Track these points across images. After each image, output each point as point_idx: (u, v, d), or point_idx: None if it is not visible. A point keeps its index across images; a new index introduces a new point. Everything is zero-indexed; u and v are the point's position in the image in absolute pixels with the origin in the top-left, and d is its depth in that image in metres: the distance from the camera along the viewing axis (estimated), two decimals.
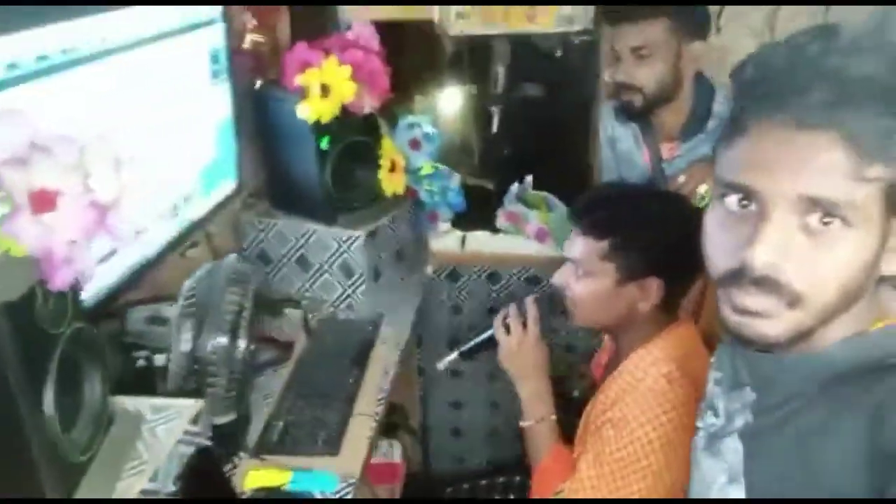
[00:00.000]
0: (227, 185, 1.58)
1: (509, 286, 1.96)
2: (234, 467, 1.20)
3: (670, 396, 1.16)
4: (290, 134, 1.57)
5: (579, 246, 1.23)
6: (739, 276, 0.64)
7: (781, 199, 0.62)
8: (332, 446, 1.23)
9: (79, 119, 1.01)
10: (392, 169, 1.68)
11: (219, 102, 1.50)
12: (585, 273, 1.23)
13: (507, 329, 1.32)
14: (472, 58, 2.19)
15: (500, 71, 2.11)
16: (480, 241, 1.97)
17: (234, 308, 1.13)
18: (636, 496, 1.15)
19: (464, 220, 2.00)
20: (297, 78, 1.48)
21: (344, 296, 1.66)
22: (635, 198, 1.25)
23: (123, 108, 1.16)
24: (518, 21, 1.75)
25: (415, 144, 1.83)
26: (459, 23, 1.78)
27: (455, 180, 1.90)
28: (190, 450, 0.99)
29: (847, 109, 0.59)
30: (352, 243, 1.59)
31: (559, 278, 1.27)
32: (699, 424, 0.86)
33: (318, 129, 1.51)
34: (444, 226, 1.97)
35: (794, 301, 0.63)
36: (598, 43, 1.82)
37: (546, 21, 1.75)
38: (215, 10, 1.44)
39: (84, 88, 1.04)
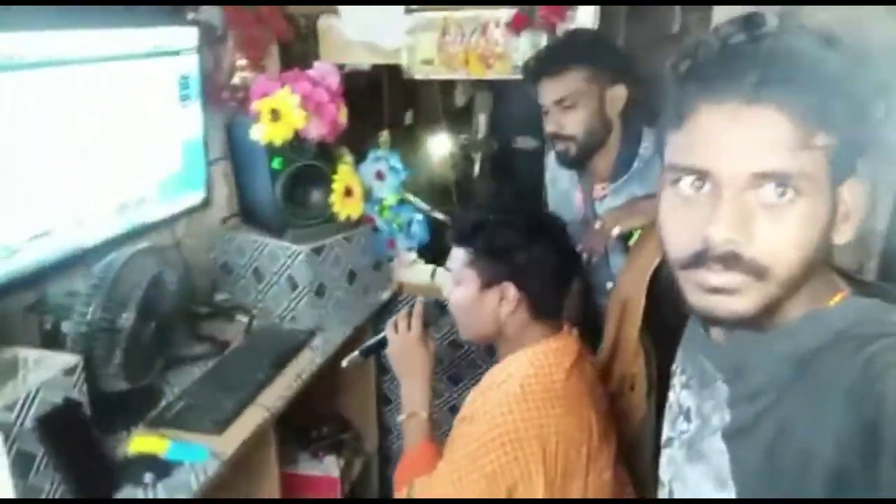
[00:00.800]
0: (194, 197, 1.77)
1: None
2: (128, 433, 1.32)
3: (519, 401, 1.20)
4: (249, 155, 1.75)
5: (452, 256, 1.32)
6: (702, 256, 0.66)
7: (734, 176, 0.64)
8: (219, 427, 1.34)
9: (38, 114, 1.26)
10: (348, 194, 1.82)
11: (188, 123, 1.70)
12: (456, 281, 1.31)
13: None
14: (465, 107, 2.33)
15: (482, 119, 2.23)
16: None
17: (130, 289, 1.27)
18: (476, 494, 1.19)
19: (435, 253, 2.09)
20: (254, 104, 1.66)
21: (289, 307, 1.78)
22: (504, 212, 1.32)
23: (84, 112, 1.37)
24: (477, 68, 1.88)
25: (379, 175, 1.96)
26: (424, 68, 1.93)
27: (420, 215, 2.02)
28: (58, 398, 1.12)
29: (784, 85, 0.62)
30: (296, 257, 1.73)
31: (444, 289, 1.36)
32: (671, 434, 0.86)
33: (272, 151, 1.68)
34: (410, 256, 2.07)
35: (760, 274, 0.64)
36: None
37: (502, 68, 1.87)
38: (190, 42, 1.66)
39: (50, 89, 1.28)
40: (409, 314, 1.40)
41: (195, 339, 1.70)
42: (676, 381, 0.87)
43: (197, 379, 1.50)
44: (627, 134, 1.62)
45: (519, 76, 1.85)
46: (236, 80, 1.96)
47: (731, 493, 0.73)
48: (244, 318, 1.78)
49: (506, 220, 1.28)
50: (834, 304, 0.70)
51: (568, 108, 1.56)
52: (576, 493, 1.24)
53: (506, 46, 1.85)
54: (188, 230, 1.89)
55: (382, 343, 1.42)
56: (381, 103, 2.27)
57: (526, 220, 1.29)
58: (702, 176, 0.66)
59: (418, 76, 1.95)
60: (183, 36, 1.64)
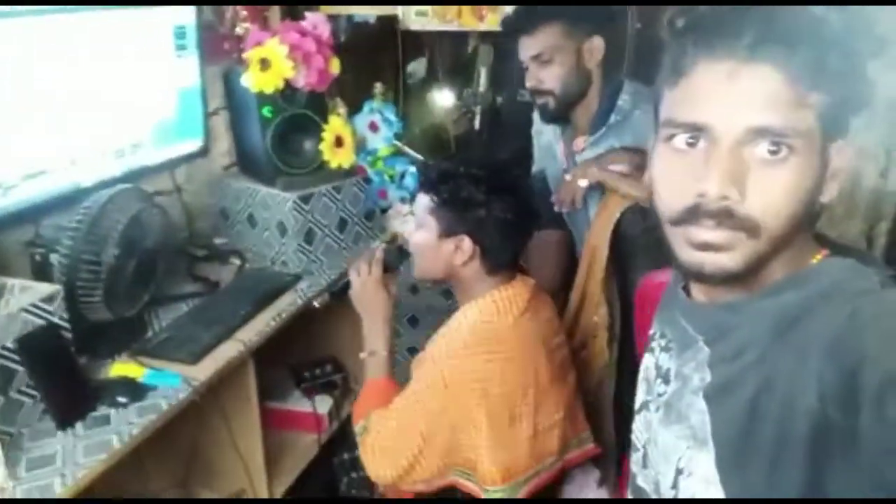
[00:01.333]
0: (192, 145, 1.86)
1: None
2: (112, 361, 1.43)
3: (466, 346, 1.27)
4: (243, 104, 1.82)
5: (418, 200, 1.37)
6: (695, 212, 0.67)
7: (730, 131, 0.65)
8: (194, 358, 1.43)
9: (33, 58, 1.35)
10: (338, 144, 1.87)
11: (184, 72, 1.77)
12: (418, 225, 1.37)
13: None
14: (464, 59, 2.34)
15: (483, 72, 2.25)
16: None
17: (111, 226, 1.36)
18: (420, 428, 1.27)
19: None
20: (245, 54, 1.72)
21: (280, 252, 1.86)
22: (470, 166, 1.36)
23: (77, 57, 1.45)
24: (469, 20, 1.89)
25: (373, 127, 2.01)
26: (419, 19, 1.95)
27: (414, 167, 2.06)
28: (39, 322, 1.23)
29: (781, 44, 0.63)
30: (285, 204, 1.80)
31: (407, 231, 1.42)
32: (647, 398, 0.88)
33: (262, 99, 1.75)
34: (405, 207, 2.13)
35: (751, 230, 0.66)
36: None
37: (494, 20, 1.88)
38: None
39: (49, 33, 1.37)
40: (372, 258, 1.47)
41: (191, 279, 1.80)
42: (655, 344, 0.89)
43: (182, 314, 1.60)
44: (607, 86, 1.63)
45: None
46: (239, 30, 2.02)
47: (709, 452, 0.74)
48: (237, 261, 1.87)
49: (469, 175, 1.32)
50: (815, 263, 0.72)
51: (545, 62, 1.59)
52: (525, 433, 1.30)
53: None
54: (190, 177, 1.98)
55: (347, 285, 1.49)
56: (385, 55, 2.30)
57: (489, 176, 1.32)
58: (697, 132, 0.67)
59: (414, 27, 1.98)
60: None
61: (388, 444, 1.32)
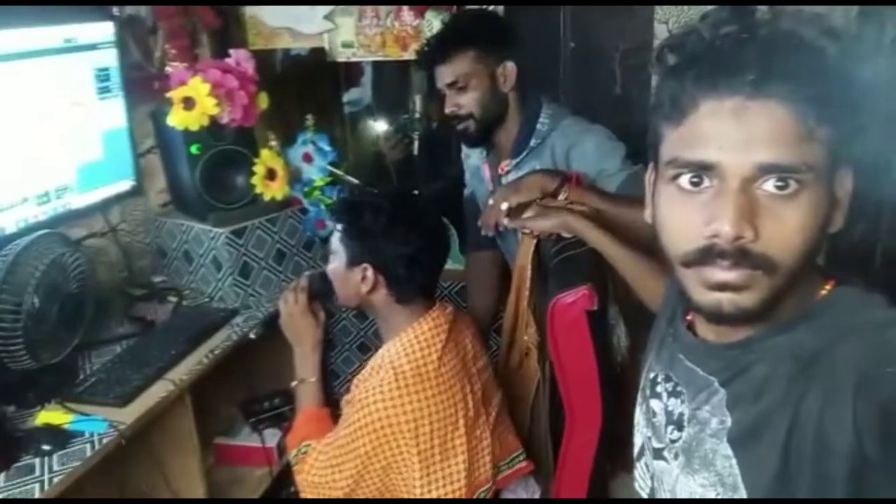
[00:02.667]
0: (123, 185, 1.85)
1: None
2: (41, 408, 1.41)
3: (392, 388, 1.27)
4: (171, 142, 1.82)
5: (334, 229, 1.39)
6: (707, 254, 0.65)
7: (739, 169, 0.63)
8: (122, 400, 1.42)
9: None
10: (271, 177, 1.88)
11: (109, 114, 1.77)
12: (331, 252, 1.38)
13: None
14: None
15: (418, 98, 2.27)
16: None
17: (30, 272, 1.36)
18: (350, 473, 1.28)
19: None
20: (169, 93, 1.73)
21: (217, 287, 1.86)
22: (378, 196, 1.37)
23: None
24: (393, 50, 1.92)
25: (307, 158, 2.03)
26: (345, 51, 1.98)
27: None
28: None
29: (785, 79, 0.62)
30: (218, 239, 1.80)
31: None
32: (658, 445, 0.85)
33: (189, 136, 1.75)
34: None
35: (768, 267, 0.64)
36: None
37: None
38: (106, 35, 1.73)
39: None
40: (297, 287, 1.48)
41: (128, 320, 1.79)
42: (661, 389, 0.86)
43: (114, 356, 1.59)
44: (525, 110, 1.66)
45: None
46: (169, 69, 2.03)
47: (741, 498, 0.71)
48: (174, 299, 1.87)
49: (372, 204, 1.33)
50: (826, 294, 0.71)
51: (461, 89, 1.62)
52: (460, 466, 1.31)
53: (418, 27, 1.88)
54: (126, 217, 1.98)
55: (278, 315, 1.50)
56: (323, 85, 2.32)
57: (394, 207, 1.33)
58: (704, 171, 0.66)
59: (341, 59, 2.00)
60: (98, 31, 1.71)
61: (318, 480, 1.33)
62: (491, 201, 1.60)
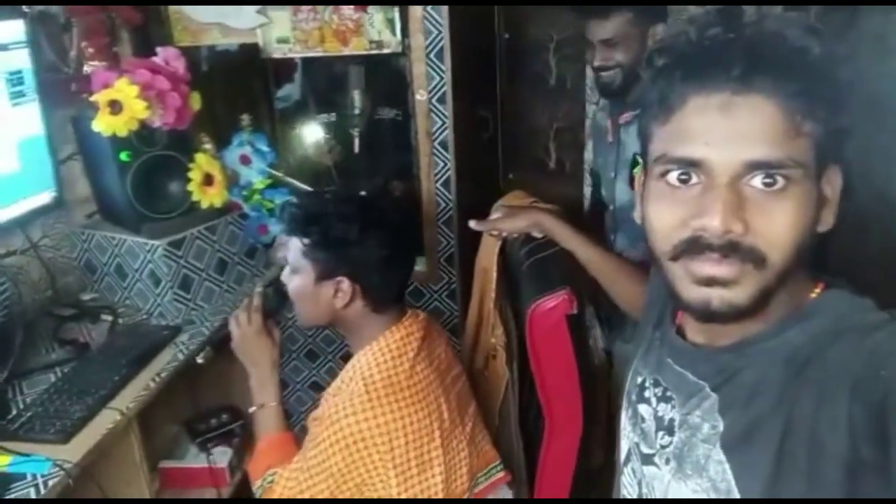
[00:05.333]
0: (43, 197, 1.70)
1: None
2: None
3: (363, 401, 1.21)
4: (97, 149, 1.68)
5: (288, 244, 1.30)
6: (695, 245, 0.66)
7: (727, 165, 0.64)
8: (64, 436, 1.30)
9: None
10: (208, 182, 1.77)
11: (24, 121, 1.62)
12: (292, 270, 1.30)
13: None
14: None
15: (356, 94, 2.19)
16: None
17: None
18: (323, 494, 1.20)
19: None
20: (94, 96, 1.59)
21: (155, 303, 1.74)
22: (339, 202, 1.30)
23: None
24: (333, 45, 1.84)
25: (245, 160, 1.92)
26: (281, 47, 1.88)
27: (294, 197, 1.98)
28: None
29: (771, 74, 0.62)
30: (154, 252, 1.68)
31: (283, 275, 1.35)
32: (648, 451, 0.84)
33: (117, 143, 1.62)
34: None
35: (758, 261, 0.64)
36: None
37: (358, 44, 1.83)
38: (17, 34, 1.58)
39: None
40: (250, 306, 1.39)
41: (58, 344, 1.65)
42: (649, 394, 0.85)
43: (49, 386, 1.46)
44: None
45: (376, 51, 1.83)
46: (87, 69, 1.88)
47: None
48: (109, 318, 1.73)
49: (341, 212, 1.26)
50: (817, 297, 0.71)
51: (614, 45, 1.67)
52: (437, 478, 1.26)
53: (359, 21, 1.81)
54: (47, 231, 1.82)
55: (228, 336, 1.40)
56: (253, 83, 2.20)
57: (361, 212, 1.27)
58: (692, 167, 0.66)
59: (276, 55, 1.90)
60: (8, 30, 1.55)
61: None
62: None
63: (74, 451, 1.28)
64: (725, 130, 0.64)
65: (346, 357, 2.12)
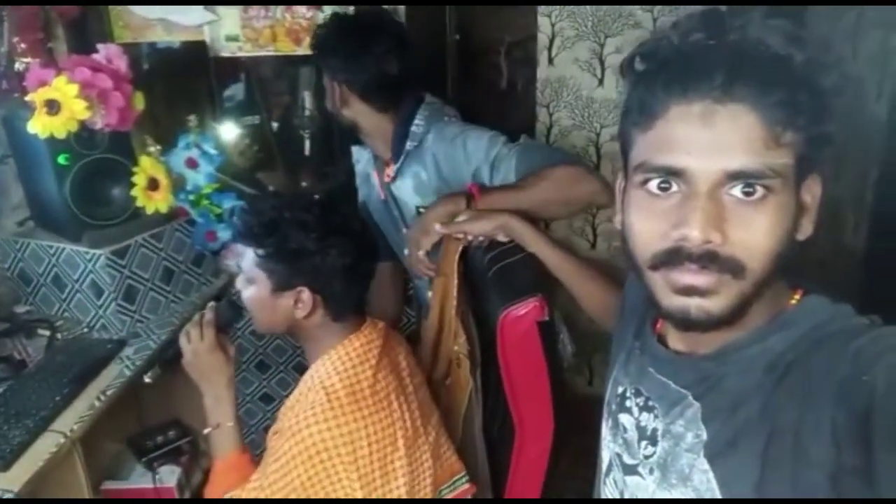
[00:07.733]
0: None
1: None
2: None
3: (325, 410, 1.16)
4: (32, 151, 1.57)
5: (243, 254, 1.24)
6: (675, 255, 0.65)
7: (707, 175, 0.63)
8: (5, 462, 1.20)
9: None
10: (153, 187, 1.68)
11: None
12: (247, 280, 1.24)
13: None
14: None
15: (307, 95, 2.13)
16: None
17: None
18: None
19: None
20: (29, 95, 1.49)
21: (97, 315, 1.64)
22: (296, 210, 1.24)
23: None
24: (285, 44, 1.77)
25: (191, 163, 1.83)
26: (230, 45, 1.80)
27: (243, 202, 1.91)
28: None
29: (752, 83, 0.62)
30: (95, 262, 1.58)
31: (237, 285, 1.29)
32: (631, 462, 0.83)
33: (55, 145, 1.52)
34: (239, 247, 1.96)
35: (736, 271, 0.64)
36: None
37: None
38: None
39: None
40: (202, 321, 1.31)
41: None
42: (631, 403, 0.84)
43: None
44: (399, 112, 1.58)
45: None
46: (19, 66, 1.77)
47: None
48: (47, 332, 1.62)
49: (297, 220, 1.20)
50: (796, 304, 0.71)
51: None
52: (402, 491, 1.22)
53: (313, 20, 1.75)
54: None
55: (178, 353, 1.33)
56: (198, 83, 2.11)
57: (319, 219, 1.21)
58: (672, 176, 0.65)
59: (224, 53, 1.82)
60: None
61: None
62: (407, 252, 1.52)
63: (14, 478, 1.19)
64: (706, 140, 0.63)
65: (299, 367, 2.10)
